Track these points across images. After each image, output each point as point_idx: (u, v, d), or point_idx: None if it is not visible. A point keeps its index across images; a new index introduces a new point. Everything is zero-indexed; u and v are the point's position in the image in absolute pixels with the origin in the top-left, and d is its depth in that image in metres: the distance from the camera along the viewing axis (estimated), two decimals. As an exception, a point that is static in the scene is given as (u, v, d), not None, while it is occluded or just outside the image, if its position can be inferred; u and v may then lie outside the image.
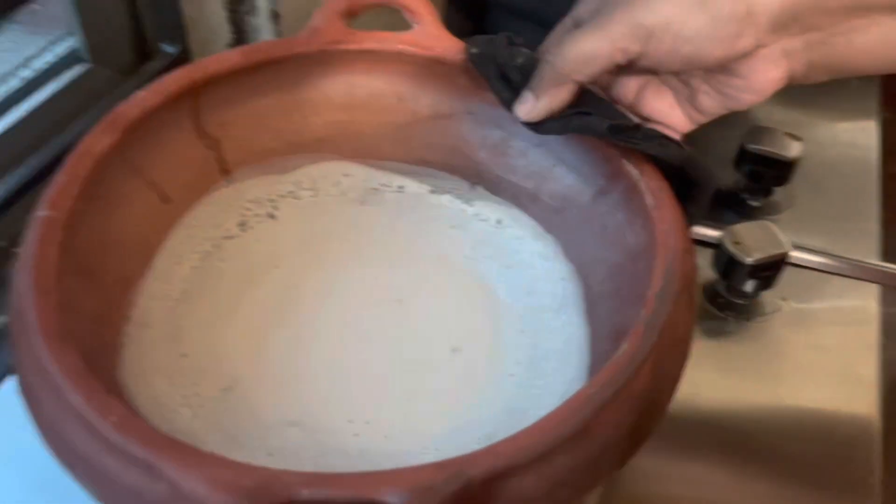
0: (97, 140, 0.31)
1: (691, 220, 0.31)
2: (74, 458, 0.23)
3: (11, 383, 0.39)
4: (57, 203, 0.28)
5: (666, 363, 0.26)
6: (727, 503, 0.37)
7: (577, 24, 0.33)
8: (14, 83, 0.50)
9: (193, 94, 0.35)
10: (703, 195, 0.32)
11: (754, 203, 0.51)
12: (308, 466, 0.29)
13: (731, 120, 0.57)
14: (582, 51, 0.31)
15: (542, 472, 0.23)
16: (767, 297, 0.45)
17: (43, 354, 0.24)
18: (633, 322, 0.30)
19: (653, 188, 0.31)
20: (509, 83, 0.34)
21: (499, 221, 0.38)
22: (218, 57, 0.35)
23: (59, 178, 0.29)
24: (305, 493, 0.21)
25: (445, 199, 0.39)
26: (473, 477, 0.21)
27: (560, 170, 0.37)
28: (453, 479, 0.21)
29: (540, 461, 0.23)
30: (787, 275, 0.43)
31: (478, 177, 0.39)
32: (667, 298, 0.27)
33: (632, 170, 0.32)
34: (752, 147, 0.49)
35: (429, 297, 0.35)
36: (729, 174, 0.51)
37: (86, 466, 0.23)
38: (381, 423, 0.31)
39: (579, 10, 0.34)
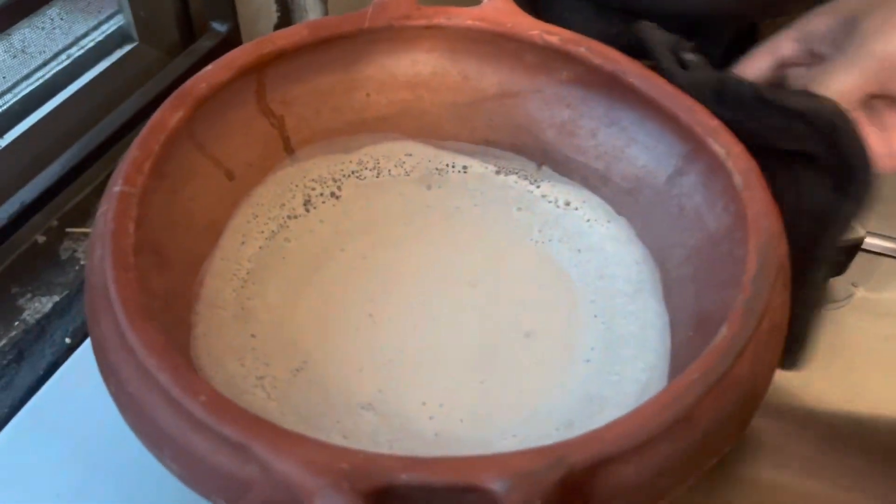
0: (169, 115, 0.30)
1: (854, 213, 0.29)
2: (161, 438, 0.22)
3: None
4: (132, 178, 0.28)
5: (764, 350, 0.25)
6: (801, 495, 0.36)
7: (808, 48, 0.32)
8: (64, 62, 0.50)
9: (260, 70, 0.34)
10: (865, 177, 0.29)
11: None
12: (384, 450, 0.28)
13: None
14: (842, 88, 0.30)
15: (644, 461, 0.22)
16: (838, 283, 0.43)
17: (127, 331, 0.23)
18: (719, 308, 0.29)
19: (741, 168, 0.29)
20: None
21: (567, 203, 0.37)
22: (285, 32, 0.34)
23: (133, 153, 0.29)
24: (404, 477, 0.20)
25: (511, 179, 0.38)
26: (576, 464, 0.21)
27: (633, 150, 0.36)
28: (556, 465, 0.20)
29: (642, 449, 0.22)
30: (858, 261, 0.42)
31: (545, 157, 0.38)
32: (764, 283, 0.25)
33: (718, 149, 0.30)
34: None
35: (500, 281, 0.34)
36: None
37: (173, 447, 0.22)
38: (456, 407, 0.30)
39: (809, 35, 0.32)
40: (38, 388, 0.38)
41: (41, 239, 0.46)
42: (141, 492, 0.33)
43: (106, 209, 0.27)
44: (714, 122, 0.31)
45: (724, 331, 0.24)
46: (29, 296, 0.43)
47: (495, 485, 0.20)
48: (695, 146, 0.33)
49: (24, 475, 0.34)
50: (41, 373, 0.40)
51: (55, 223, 0.47)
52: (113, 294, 0.24)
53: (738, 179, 0.29)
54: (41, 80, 0.48)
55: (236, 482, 0.21)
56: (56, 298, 0.43)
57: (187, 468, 0.22)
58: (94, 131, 0.47)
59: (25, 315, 0.42)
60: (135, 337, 0.23)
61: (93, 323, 0.25)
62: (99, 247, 0.26)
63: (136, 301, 0.24)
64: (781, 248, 0.28)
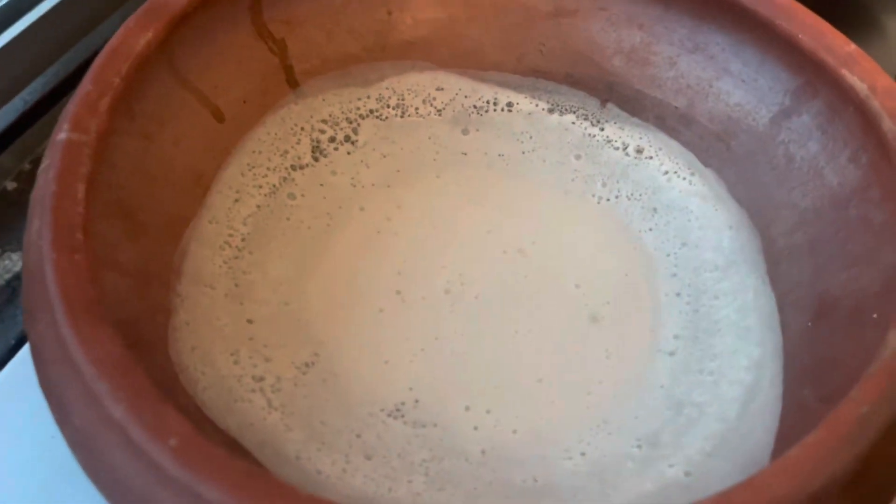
0: (134, 36, 0.23)
1: None
2: (121, 491, 0.16)
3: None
4: (83, 121, 0.21)
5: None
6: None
7: None
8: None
9: (254, -21, 0.27)
10: None
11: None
12: (419, 476, 0.22)
13: None
14: None
15: (799, 533, 0.15)
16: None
17: (69, 338, 0.17)
18: (852, 292, 0.22)
19: (894, 110, 0.22)
20: None
21: (639, 150, 0.30)
22: (286, -72, 0.27)
23: (85, 88, 0.22)
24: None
25: (568, 119, 0.31)
26: (710, 547, 0.14)
27: (725, 83, 0.28)
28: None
29: (799, 515, 0.15)
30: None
31: (610, 92, 0.31)
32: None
33: (857, 83, 0.23)
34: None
35: (556, 249, 0.28)
36: None
37: (135, 504, 0.16)
38: (507, 415, 0.24)
39: None
40: (10, 358, 0.33)
41: (11, 185, 0.40)
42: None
43: (47, 165, 0.20)
44: (851, 48, 0.24)
45: (893, 340, 0.18)
46: (-2, 252, 0.37)
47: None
48: (811, 78, 0.26)
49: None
50: (13, 341, 0.34)
51: (27, 167, 0.40)
52: (52, 285, 0.17)
53: (889, 124, 0.22)
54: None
55: (223, 559, 0.15)
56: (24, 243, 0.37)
57: (156, 534, 0.16)
58: (69, 55, 0.40)
59: (-6, 274, 0.36)
60: (80, 348, 0.16)
61: (29, 322, 0.19)
62: (37, 216, 0.19)
63: (85, 294, 0.18)
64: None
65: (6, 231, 0.38)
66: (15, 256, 0.37)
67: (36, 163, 0.40)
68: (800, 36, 0.25)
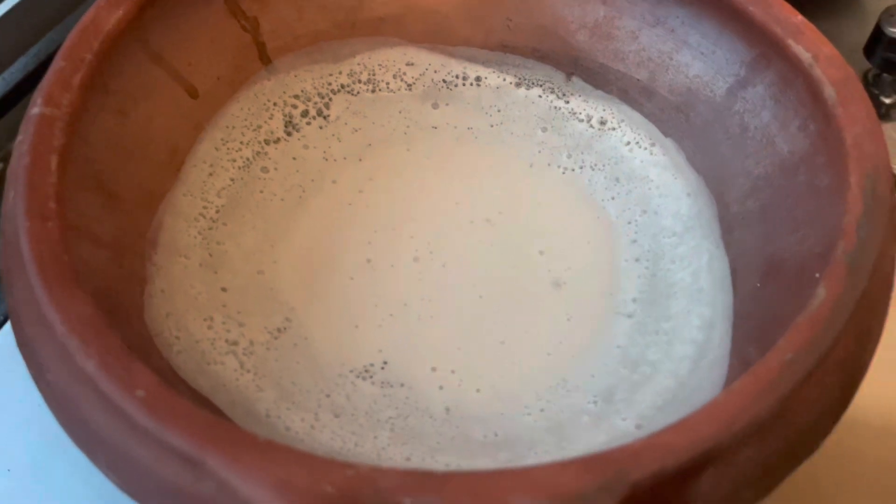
0: (106, 13, 0.24)
1: None
2: (92, 441, 0.17)
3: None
4: (55, 96, 0.22)
5: (870, 316, 0.19)
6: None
7: None
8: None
9: (224, -42, 0.27)
10: None
11: (886, 99, 0.43)
12: (384, 432, 0.23)
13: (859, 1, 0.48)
14: None
15: (724, 470, 0.16)
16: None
17: (43, 300, 0.18)
18: (796, 254, 0.23)
19: (835, 77, 0.23)
20: None
21: (602, 122, 0.31)
22: None
23: (58, 65, 0.22)
24: (407, 502, 0.15)
25: (535, 93, 0.32)
26: (638, 482, 0.15)
27: (684, 55, 0.29)
28: (613, 485, 0.15)
29: (723, 455, 0.16)
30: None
31: (575, 65, 0.31)
32: (872, 227, 0.20)
33: (801, 52, 0.24)
34: (891, 30, 0.40)
35: (522, 218, 0.29)
36: (856, 65, 0.42)
37: (108, 453, 0.17)
38: (471, 374, 0.25)
39: None
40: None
41: (-1, 165, 0.41)
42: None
43: (22, 138, 0.21)
44: (797, 18, 0.25)
45: (822, 293, 0.19)
46: (-16, 231, 0.38)
47: (530, 513, 0.15)
48: (765, 49, 0.26)
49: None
50: (2, 318, 0.35)
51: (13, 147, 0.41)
52: (25, 250, 0.18)
53: (829, 91, 0.23)
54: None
55: (190, 502, 0.16)
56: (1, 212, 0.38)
57: (127, 481, 0.17)
58: (52, 35, 0.40)
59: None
60: (52, 307, 0.17)
61: (7, 287, 0.20)
62: (12, 187, 0.20)
63: (58, 259, 0.19)
64: (889, 181, 0.22)
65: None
66: (2, 235, 0.38)
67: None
68: (750, 8, 0.25)
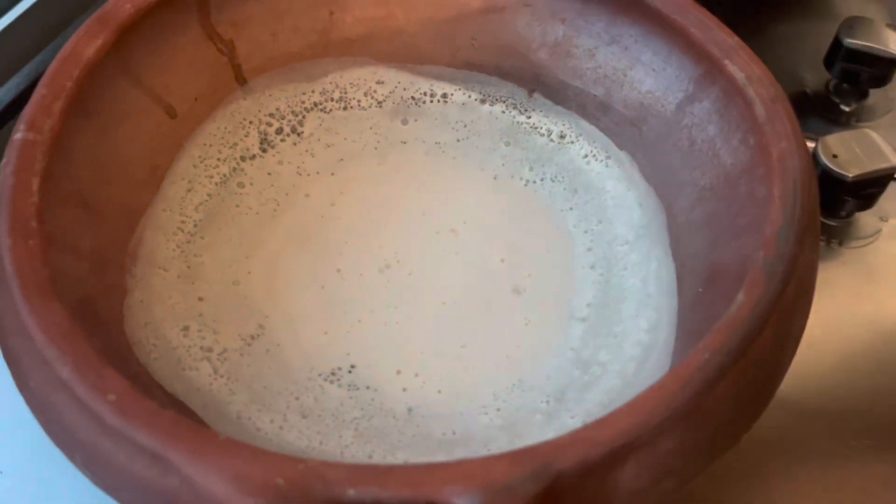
0: (85, 43, 0.26)
1: None
2: (70, 441, 0.19)
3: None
4: (37, 122, 0.23)
5: (789, 320, 0.21)
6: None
7: None
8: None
9: (199, -14, 0.29)
10: None
11: (846, 108, 0.44)
12: (349, 431, 0.25)
13: (821, 10, 0.49)
14: None
15: (645, 461, 0.18)
16: (865, 217, 0.39)
17: (23, 311, 0.19)
18: (736, 260, 0.25)
19: (764, 96, 0.25)
20: None
21: (562, 136, 0.32)
22: (226, -62, 0.29)
23: (40, 92, 0.24)
24: (351, 493, 0.17)
25: (498, 109, 0.33)
26: (563, 471, 0.17)
27: (637, 73, 0.31)
28: (539, 474, 0.17)
29: (642, 447, 0.18)
30: (890, 192, 0.37)
31: (536, 82, 0.33)
32: (791, 238, 0.21)
33: (736, 72, 0.26)
34: (849, 41, 0.42)
35: (486, 227, 0.30)
36: (818, 74, 0.44)
37: (84, 452, 0.19)
38: (433, 377, 0.27)
39: None
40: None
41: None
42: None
43: (5, 162, 0.23)
44: (732, 40, 0.26)
45: (741, 298, 0.20)
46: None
47: (463, 501, 0.16)
48: (709, 68, 0.28)
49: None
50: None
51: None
52: (8, 266, 0.20)
53: (759, 109, 0.25)
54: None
55: (157, 495, 0.18)
56: None
57: (102, 477, 0.19)
58: (31, 66, 0.42)
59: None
60: (32, 320, 0.19)
61: (-7, 299, 0.21)
62: (-3, 208, 0.22)
63: (39, 276, 0.20)
64: (812, 193, 0.23)
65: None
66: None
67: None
68: (691, 29, 0.27)
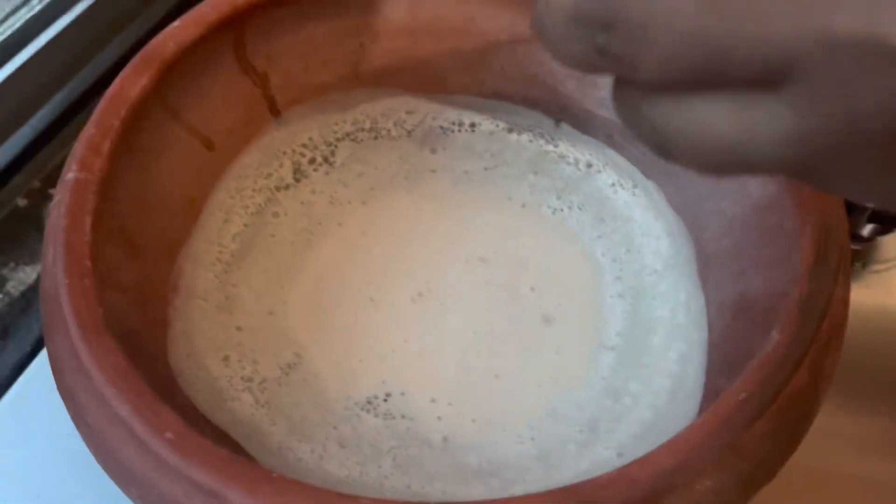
0: (132, 83, 0.26)
1: None
2: (126, 476, 0.19)
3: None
4: (88, 162, 0.24)
5: (823, 357, 0.21)
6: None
7: None
8: (35, 7, 0.45)
9: (237, 24, 0.30)
10: None
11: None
12: (387, 461, 0.25)
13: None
14: None
15: (682, 500, 0.19)
16: (887, 241, 0.39)
17: (82, 351, 0.20)
18: (764, 293, 0.25)
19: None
20: None
21: (589, 165, 0.33)
22: (263, -24, 0.30)
23: (89, 132, 0.25)
24: (403, 531, 0.17)
25: (525, 138, 0.34)
26: (605, 511, 0.18)
27: (663, 104, 0.31)
28: (582, 515, 0.17)
29: (680, 487, 0.18)
30: (912, 217, 0.38)
31: (563, 112, 0.34)
32: (825, 275, 0.22)
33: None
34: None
35: (515, 256, 0.31)
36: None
37: (140, 488, 0.19)
38: (467, 406, 0.27)
39: None
40: (26, 366, 0.36)
41: (23, 202, 0.43)
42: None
43: (59, 200, 0.23)
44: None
45: (775, 336, 0.21)
46: (12, 265, 0.40)
47: (509, 540, 0.17)
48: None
49: (11, 463, 0.31)
50: (28, 349, 0.38)
51: (37, 184, 0.44)
52: (66, 306, 0.21)
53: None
54: (13, 27, 0.44)
55: (212, 530, 0.18)
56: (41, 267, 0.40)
57: (158, 512, 0.19)
58: (74, 81, 0.43)
59: (9, 287, 0.39)
60: (91, 359, 0.20)
61: (48, 336, 0.22)
62: (52, 246, 0.23)
63: (94, 313, 0.21)
64: (842, 228, 0.24)
65: (19, 245, 0.41)
66: (28, 269, 0.40)
67: (45, 181, 0.43)
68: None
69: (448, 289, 0.30)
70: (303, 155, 0.33)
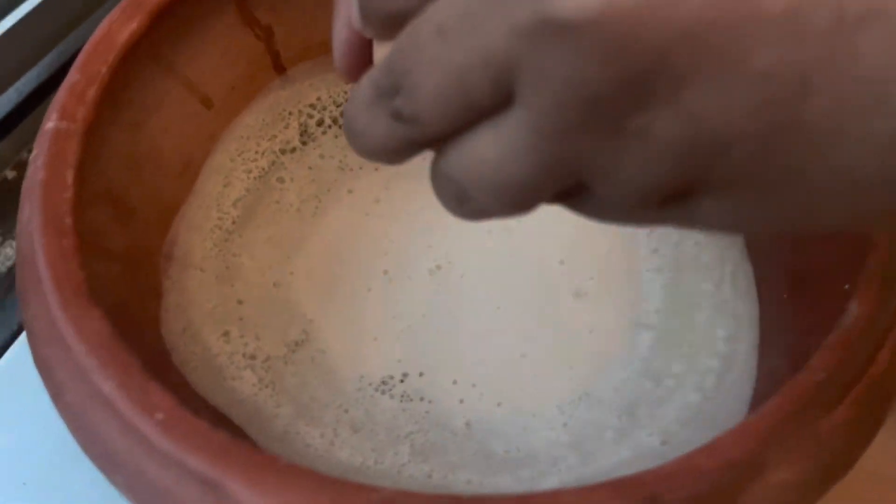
0: (119, 26, 0.24)
1: None
2: (111, 462, 0.17)
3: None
4: (70, 110, 0.21)
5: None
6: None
7: None
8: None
9: (238, -33, 0.27)
10: None
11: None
12: (405, 447, 0.23)
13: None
14: None
15: (757, 494, 0.16)
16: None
17: (59, 319, 0.18)
18: (828, 262, 0.23)
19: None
20: None
21: (622, 128, 0.30)
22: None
23: (73, 78, 0.22)
24: (433, 528, 0.15)
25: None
26: (670, 506, 0.15)
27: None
28: (643, 511, 0.15)
29: (754, 479, 0.16)
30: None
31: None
32: (905, 239, 0.19)
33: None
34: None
35: (541, 226, 0.28)
36: None
37: (126, 475, 0.17)
38: (492, 388, 0.25)
39: None
40: (11, 345, 0.34)
41: (11, 175, 0.41)
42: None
43: (37, 153, 0.21)
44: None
45: (855, 309, 0.18)
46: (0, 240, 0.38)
47: (559, 541, 0.14)
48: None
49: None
50: (15, 327, 0.35)
51: (26, 155, 0.41)
52: (42, 268, 0.18)
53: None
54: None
55: (209, 525, 0.16)
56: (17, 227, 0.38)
57: (146, 502, 0.17)
58: (63, 45, 0.40)
59: (-4, 263, 0.37)
60: (69, 327, 0.17)
61: (23, 304, 0.19)
62: (28, 202, 0.20)
63: (74, 276, 0.18)
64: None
65: (7, 219, 0.38)
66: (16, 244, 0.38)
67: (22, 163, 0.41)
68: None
69: (470, 260, 0.27)
70: (310, 116, 0.30)
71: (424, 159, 0.31)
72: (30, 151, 0.42)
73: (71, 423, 0.18)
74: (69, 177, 0.20)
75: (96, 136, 0.22)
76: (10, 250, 0.38)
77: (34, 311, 0.19)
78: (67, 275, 0.18)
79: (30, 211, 0.19)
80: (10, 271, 0.37)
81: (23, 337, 0.34)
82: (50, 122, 0.21)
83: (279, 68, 0.30)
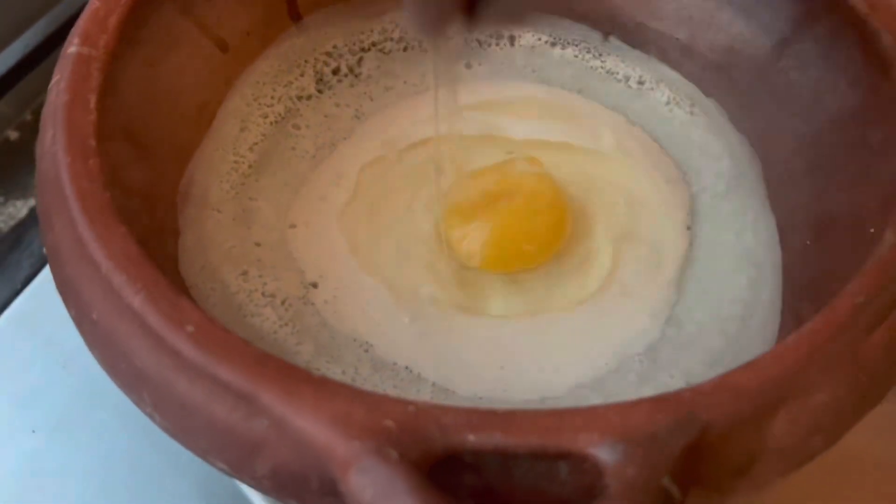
0: (138, -42, 0.23)
1: None
2: (137, 379, 0.17)
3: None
4: (92, 36, 0.21)
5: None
6: None
7: None
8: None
9: None
10: None
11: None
12: (427, 387, 0.22)
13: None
14: None
15: (796, 414, 0.16)
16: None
17: (86, 236, 0.17)
18: (852, 209, 0.22)
19: (893, 26, 0.22)
20: None
21: (641, 82, 0.30)
22: None
23: (93, 5, 0.22)
24: (472, 439, 0.14)
25: (570, 53, 0.31)
26: (711, 423, 0.15)
27: (725, 14, 0.29)
28: (685, 425, 0.15)
29: (794, 399, 0.16)
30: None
31: (612, 24, 0.31)
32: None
33: (857, 2, 0.23)
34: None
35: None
36: None
37: (154, 392, 0.16)
38: (518, 329, 0.24)
39: None
40: (13, 302, 0.34)
41: (14, 135, 0.40)
42: (129, 420, 0.27)
43: (59, 78, 0.20)
44: (852, -33, 0.24)
45: (891, 237, 0.18)
46: (2, 200, 0.37)
47: (602, 452, 0.14)
48: (813, 4, 0.26)
49: (2, 399, 0.29)
50: (18, 286, 0.35)
51: (29, 117, 0.41)
52: (67, 186, 0.18)
53: (887, 39, 0.22)
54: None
55: (240, 441, 0.15)
56: (32, 203, 0.38)
57: (174, 420, 0.16)
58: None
59: (-1, 221, 0.37)
60: (97, 244, 0.17)
61: (45, 226, 0.19)
62: (50, 125, 0.19)
63: (100, 196, 0.18)
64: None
65: (9, 179, 0.38)
66: (19, 204, 0.38)
67: (37, 113, 0.40)
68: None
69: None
70: (326, 64, 0.30)
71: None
72: (33, 113, 0.42)
73: (96, 344, 0.17)
74: (92, 101, 0.20)
75: (117, 66, 0.22)
76: (12, 209, 0.37)
77: (59, 234, 0.18)
78: (93, 193, 0.18)
79: (53, 132, 0.19)
80: (13, 230, 0.37)
81: (26, 292, 0.34)
82: (72, 47, 0.21)
83: (295, 15, 0.30)
